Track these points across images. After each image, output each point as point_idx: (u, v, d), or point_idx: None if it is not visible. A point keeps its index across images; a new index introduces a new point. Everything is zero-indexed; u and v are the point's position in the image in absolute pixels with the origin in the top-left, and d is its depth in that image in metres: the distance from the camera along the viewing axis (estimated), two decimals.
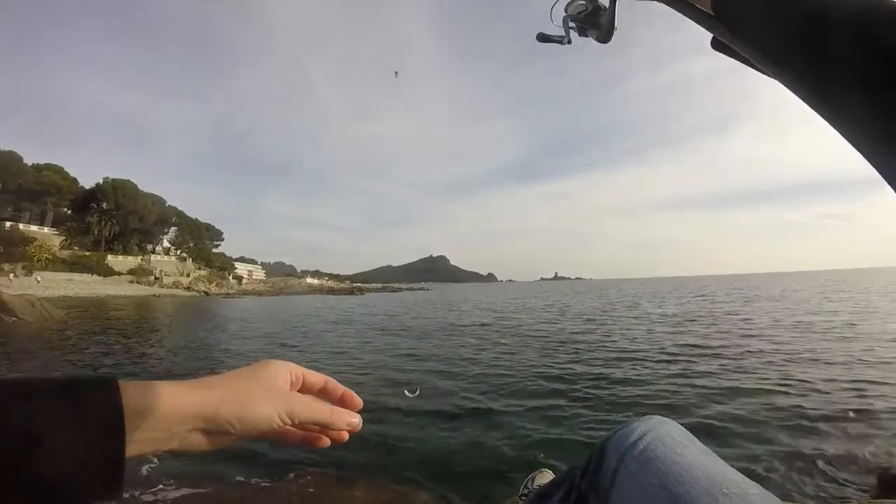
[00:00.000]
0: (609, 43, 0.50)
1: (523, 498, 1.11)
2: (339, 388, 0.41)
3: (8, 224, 48.45)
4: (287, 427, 0.35)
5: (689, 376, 5.98)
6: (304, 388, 0.39)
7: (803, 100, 0.30)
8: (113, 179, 62.97)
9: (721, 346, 8.30)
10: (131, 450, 0.26)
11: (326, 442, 0.39)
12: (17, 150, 52.73)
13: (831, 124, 0.28)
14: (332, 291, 73.67)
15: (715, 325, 12.04)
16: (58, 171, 58.33)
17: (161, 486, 2.85)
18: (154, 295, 47.53)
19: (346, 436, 0.39)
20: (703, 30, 0.39)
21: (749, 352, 7.70)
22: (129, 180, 64.53)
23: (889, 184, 0.25)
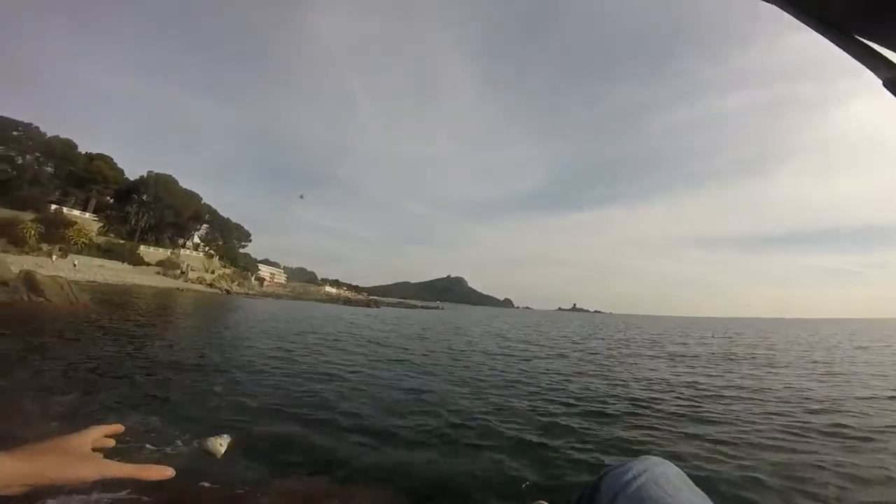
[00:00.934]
0: None
1: None
2: None
3: (53, 207, 50.91)
4: None
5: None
6: None
7: None
8: (156, 173, 65.47)
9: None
10: None
11: None
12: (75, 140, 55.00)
13: None
14: (348, 302, 73.84)
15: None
16: (107, 161, 60.96)
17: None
18: (177, 288, 48.60)
19: None
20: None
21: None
22: (170, 175, 67.09)
23: None
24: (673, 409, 6.54)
